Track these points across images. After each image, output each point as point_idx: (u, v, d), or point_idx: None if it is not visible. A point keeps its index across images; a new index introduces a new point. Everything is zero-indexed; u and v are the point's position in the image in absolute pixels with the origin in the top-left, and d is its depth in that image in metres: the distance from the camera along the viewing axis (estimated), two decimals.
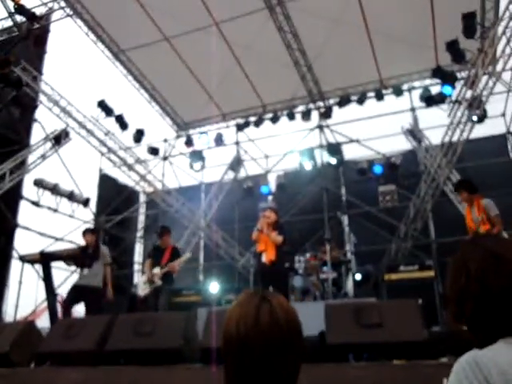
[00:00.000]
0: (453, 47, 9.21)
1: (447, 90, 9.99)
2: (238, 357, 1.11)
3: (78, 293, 6.49)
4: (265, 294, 1.19)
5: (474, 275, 1.13)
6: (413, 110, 11.89)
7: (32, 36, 11.17)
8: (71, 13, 11.33)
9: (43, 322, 7.64)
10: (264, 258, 5.80)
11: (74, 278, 7.15)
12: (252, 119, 12.81)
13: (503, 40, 8.05)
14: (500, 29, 8.16)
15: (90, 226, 11.87)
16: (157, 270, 6.56)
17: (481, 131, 10.31)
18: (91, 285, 6.49)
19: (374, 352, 3.41)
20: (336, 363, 3.35)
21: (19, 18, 11.16)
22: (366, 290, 8.23)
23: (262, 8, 10.40)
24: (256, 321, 1.11)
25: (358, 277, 8.85)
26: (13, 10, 10.79)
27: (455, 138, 9.20)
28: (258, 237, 5.92)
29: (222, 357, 1.16)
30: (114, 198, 13.77)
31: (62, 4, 11.20)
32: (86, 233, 6.87)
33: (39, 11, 11.16)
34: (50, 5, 11.36)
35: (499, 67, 8.57)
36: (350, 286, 8.78)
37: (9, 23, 11.57)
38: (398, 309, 3.75)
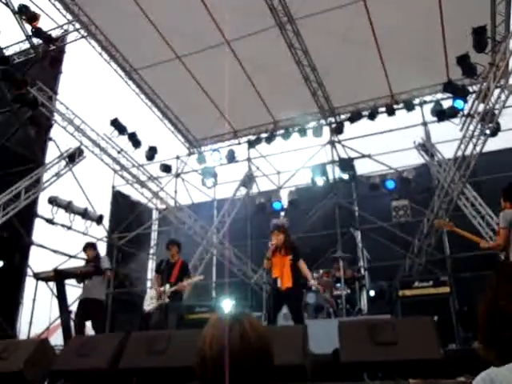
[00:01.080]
0: (464, 61, 9.21)
1: (459, 103, 9.95)
2: (212, 377, 1.14)
3: (83, 307, 6.57)
4: (237, 315, 1.22)
5: (489, 299, 1.21)
6: (425, 124, 11.85)
7: (48, 57, 11.43)
8: (85, 34, 11.60)
9: (56, 340, 7.66)
10: (279, 284, 5.70)
11: None
12: (263, 136, 12.88)
13: None
14: (511, 42, 8.15)
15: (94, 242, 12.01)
16: (166, 288, 6.51)
17: (494, 144, 10.23)
18: (91, 297, 6.57)
19: (389, 370, 3.35)
20: (350, 382, 3.30)
21: (36, 41, 11.44)
22: (381, 306, 8.12)
23: (272, 26, 10.52)
24: (227, 342, 1.13)
25: (372, 293, 8.74)
26: (30, 33, 11.07)
27: (468, 152, 9.13)
28: (270, 264, 5.84)
29: (197, 376, 1.19)
30: (127, 215, 13.87)
31: (77, 26, 11.47)
32: (87, 248, 7.01)
33: (55, 33, 11.45)
34: (65, 27, 11.66)
35: (511, 80, 8.53)
36: (364, 302, 8.68)
37: (26, 45, 11.86)
38: (413, 326, 3.69)
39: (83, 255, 7.26)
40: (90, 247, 7.04)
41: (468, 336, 6.27)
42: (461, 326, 6.32)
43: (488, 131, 8.74)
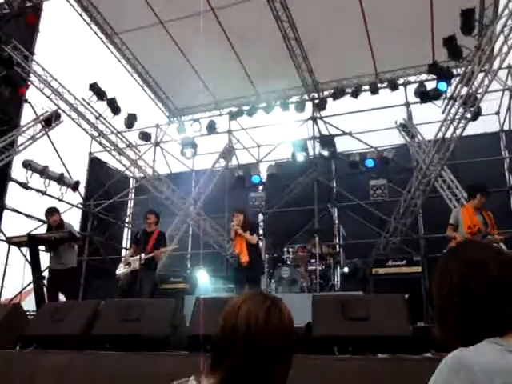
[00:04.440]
0: (450, 43, 9.18)
1: (442, 86, 9.99)
2: (245, 351, 1.21)
3: (56, 277, 6.45)
4: (275, 299, 1.32)
5: (457, 284, 1.17)
6: (407, 104, 11.90)
7: (24, 14, 10.94)
8: None
9: (29, 305, 7.60)
10: (241, 259, 6.35)
11: None
12: (245, 108, 12.76)
13: (501, 38, 8.03)
14: (498, 27, 8.15)
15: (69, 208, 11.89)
16: (142, 256, 6.48)
17: (474, 129, 10.36)
18: (64, 267, 6.45)
19: (359, 345, 3.43)
20: (321, 355, 3.36)
21: None
22: (353, 283, 8.27)
23: None
24: (266, 322, 1.23)
25: (346, 270, 8.89)
26: None
27: (448, 135, 9.22)
28: (234, 244, 6.58)
29: (218, 346, 1.25)
30: (104, 183, 13.66)
31: None
32: (51, 213, 6.69)
33: None
34: None
35: (495, 65, 8.57)
36: (337, 278, 8.82)
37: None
38: (385, 303, 3.76)
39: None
40: (55, 213, 6.70)
41: None
42: (430, 304, 6.48)
43: (469, 115, 8.81)
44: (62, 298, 6.68)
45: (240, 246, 6.38)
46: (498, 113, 11.87)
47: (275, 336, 1.23)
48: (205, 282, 9.71)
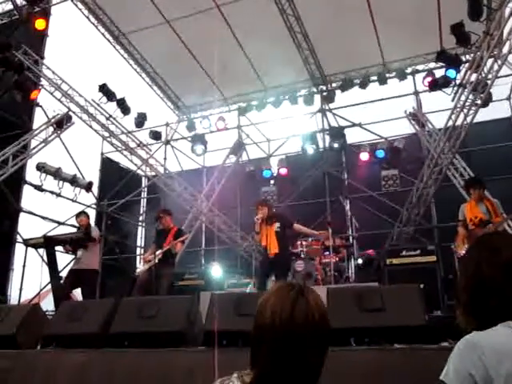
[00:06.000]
0: (458, 30, 9.06)
1: (451, 73, 9.88)
2: (271, 346, 1.18)
3: (75, 277, 6.59)
4: (302, 289, 1.25)
5: (472, 269, 1.23)
6: (416, 93, 11.80)
7: (32, 19, 11.04)
8: None
9: (47, 305, 7.71)
10: (268, 251, 6.21)
11: None
12: (254, 103, 12.75)
13: (510, 22, 7.91)
14: (507, 10, 8.02)
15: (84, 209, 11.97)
16: (157, 252, 6.55)
17: (485, 115, 10.23)
18: (87, 268, 6.60)
19: (376, 336, 3.43)
20: (337, 347, 3.37)
21: (19, 1, 11.02)
22: (368, 274, 8.25)
23: None
24: (292, 314, 1.19)
25: (360, 261, 8.88)
26: None
27: (459, 122, 9.12)
28: (259, 237, 6.41)
29: (252, 342, 1.24)
30: (116, 182, 13.78)
31: None
32: (80, 215, 7.07)
33: None
34: None
35: (505, 50, 8.43)
36: (351, 270, 8.81)
37: (9, 6, 11.43)
38: (400, 293, 3.76)
39: (72, 222, 7.29)
40: (83, 215, 7.08)
41: (452, 303, 6.42)
42: (446, 293, 6.45)
43: (479, 101, 8.71)
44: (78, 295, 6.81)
45: (269, 238, 6.22)
46: (509, 98, 11.70)
47: (303, 327, 1.19)
48: (219, 277, 9.76)
